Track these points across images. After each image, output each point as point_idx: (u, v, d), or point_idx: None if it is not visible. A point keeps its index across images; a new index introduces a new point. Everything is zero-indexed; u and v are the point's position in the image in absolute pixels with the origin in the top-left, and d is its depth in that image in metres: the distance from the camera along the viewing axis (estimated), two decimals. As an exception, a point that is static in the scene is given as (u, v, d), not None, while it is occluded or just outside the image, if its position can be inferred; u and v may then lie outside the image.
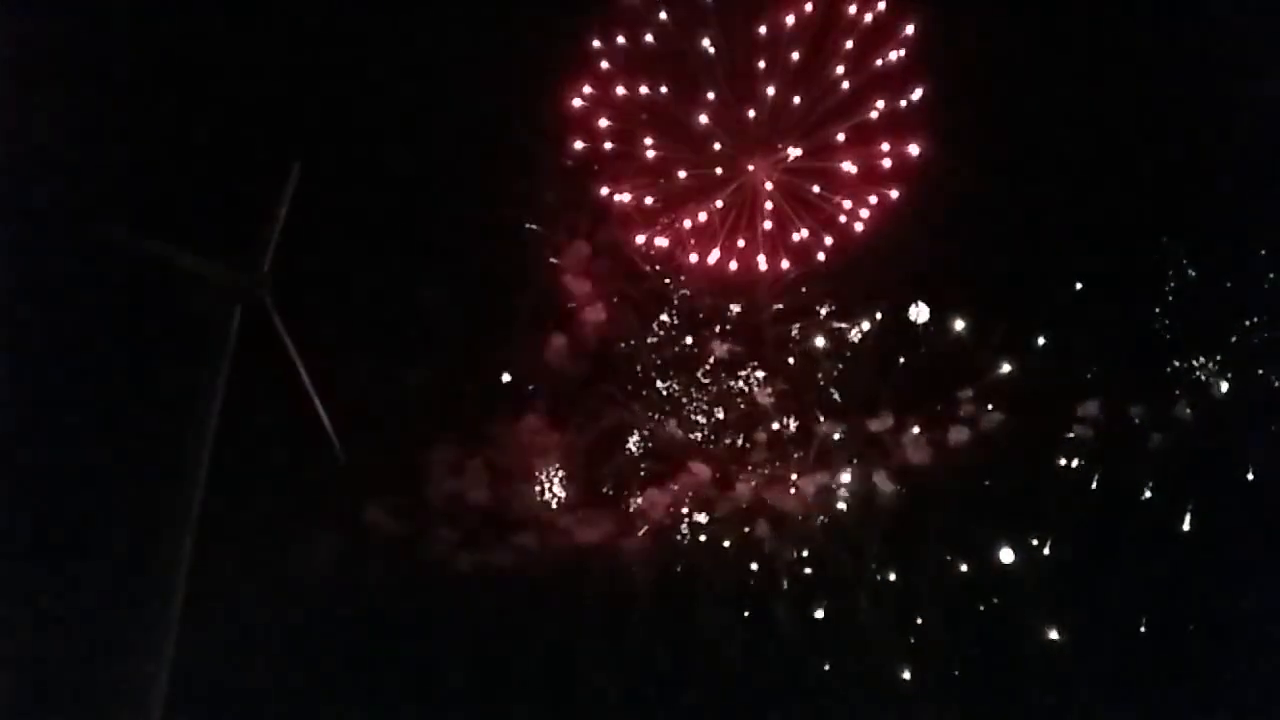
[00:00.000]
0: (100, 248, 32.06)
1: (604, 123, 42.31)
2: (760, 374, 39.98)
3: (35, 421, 31.85)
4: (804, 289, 41.73)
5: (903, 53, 41.77)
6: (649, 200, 42.49)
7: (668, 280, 41.41)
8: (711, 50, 41.89)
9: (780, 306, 41.68)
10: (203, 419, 31.72)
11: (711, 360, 40.83)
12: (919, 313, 39.50)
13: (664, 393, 40.16)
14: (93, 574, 31.92)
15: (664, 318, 41.64)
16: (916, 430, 39.02)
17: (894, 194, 41.79)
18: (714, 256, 42.33)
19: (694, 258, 42.20)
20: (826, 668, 36.32)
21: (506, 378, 39.76)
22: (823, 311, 41.28)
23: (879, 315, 40.73)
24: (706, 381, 40.70)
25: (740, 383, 40.27)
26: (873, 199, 41.97)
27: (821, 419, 39.74)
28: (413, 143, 40.20)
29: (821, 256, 42.06)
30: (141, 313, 33.61)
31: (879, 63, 41.92)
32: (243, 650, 32.79)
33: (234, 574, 32.78)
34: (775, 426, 39.82)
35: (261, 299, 33.25)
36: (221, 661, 32.22)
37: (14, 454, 31.14)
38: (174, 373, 32.52)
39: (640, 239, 42.24)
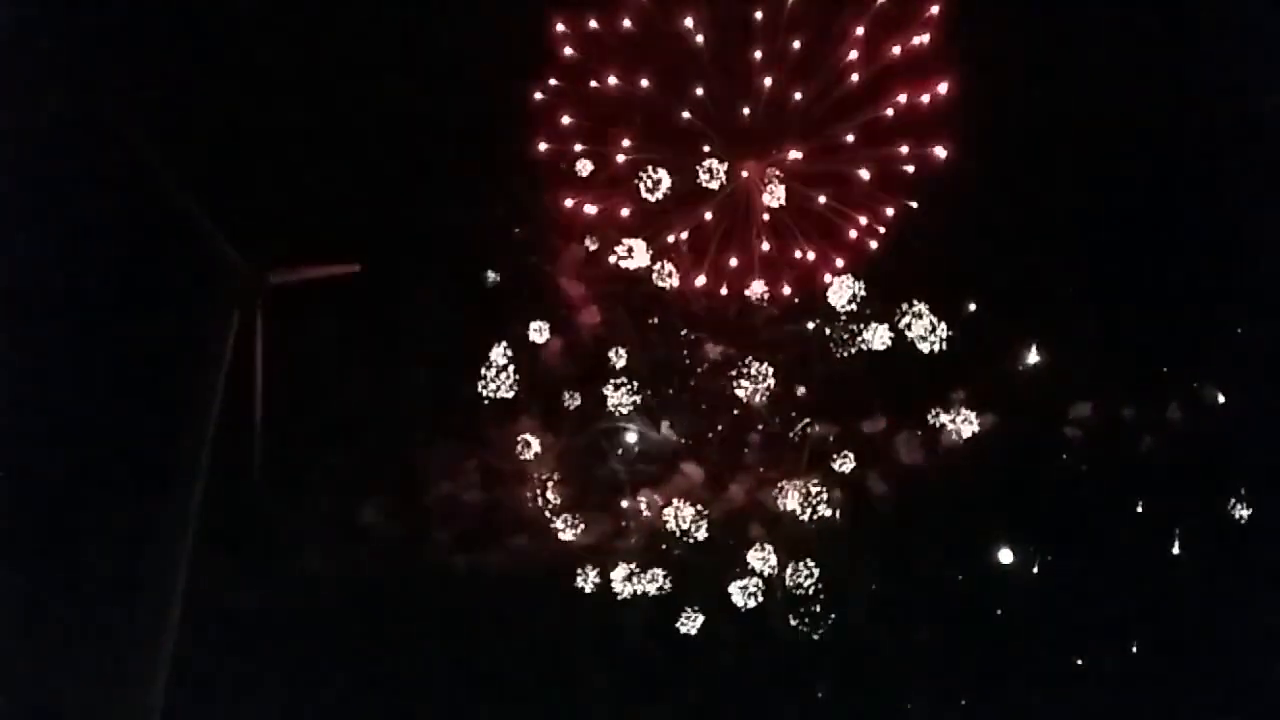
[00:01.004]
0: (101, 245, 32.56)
1: (570, 120, 36.86)
2: (754, 379, 35.64)
3: (35, 421, 31.80)
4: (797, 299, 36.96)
5: (925, 38, 36.40)
6: (624, 212, 36.97)
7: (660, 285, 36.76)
8: (699, 37, 36.60)
9: (776, 312, 37.17)
10: (201, 419, 31.60)
11: (705, 365, 36.96)
12: (916, 318, 35.36)
13: (656, 395, 36.35)
14: (91, 574, 31.75)
15: (655, 319, 37.39)
16: (913, 432, 35.92)
17: (914, 204, 36.50)
18: (701, 280, 37.03)
19: (675, 281, 36.63)
20: (821, 668, 34.98)
21: (506, 392, 35.98)
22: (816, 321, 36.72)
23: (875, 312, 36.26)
24: (695, 385, 36.92)
25: (733, 384, 35.91)
26: (889, 210, 36.66)
27: (815, 425, 36.23)
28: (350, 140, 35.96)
29: (829, 279, 36.40)
30: (141, 313, 33.07)
31: (896, 50, 36.54)
32: (239, 651, 32.48)
33: (232, 574, 32.71)
34: (764, 428, 36.55)
35: (255, 303, 32.73)
36: (219, 662, 32.08)
37: (13, 454, 31.31)
38: (173, 372, 32.37)
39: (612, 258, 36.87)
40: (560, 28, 36.65)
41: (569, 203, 37.04)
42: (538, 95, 36.65)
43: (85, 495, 32.34)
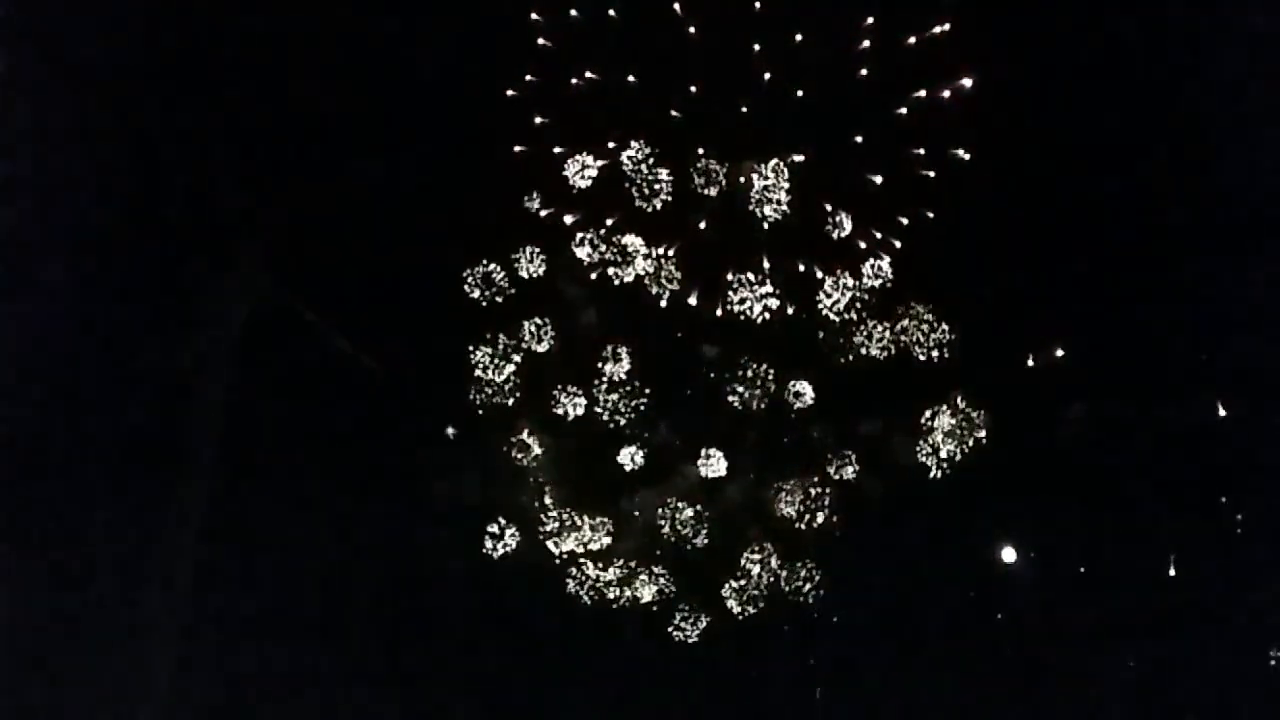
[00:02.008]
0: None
1: (546, 119, 33.65)
2: (751, 382, 33.36)
3: (37, 419, 31.52)
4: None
5: (947, 26, 33.05)
6: (609, 221, 33.64)
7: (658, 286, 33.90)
8: (690, 27, 33.46)
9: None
10: (205, 416, 31.72)
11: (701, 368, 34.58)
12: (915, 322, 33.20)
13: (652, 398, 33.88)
14: (94, 574, 31.67)
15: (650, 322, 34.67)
16: (914, 435, 33.47)
17: (931, 215, 33.15)
18: (692, 298, 33.73)
19: (663, 302, 33.49)
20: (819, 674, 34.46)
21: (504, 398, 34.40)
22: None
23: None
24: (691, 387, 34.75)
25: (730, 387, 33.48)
26: (904, 220, 33.29)
27: (815, 429, 34.12)
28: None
29: (835, 298, 33.01)
30: (146, 311, 32.67)
31: (913, 40, 33.14)
32: (239, 649, 32.26)
33: (232, 572, 32.47)
34: (761, 431, 34.27)
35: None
36: (219, 659, 31.98)
37: (15, 453, 31.04)
38: (177, 369, 32.17)
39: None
40: (534, 16, 33.39)
41: (548, 211, 33.83)
42: (509, 92, 33.55)
43: (87, 494, 31.83)
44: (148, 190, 32.22)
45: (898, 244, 33.31)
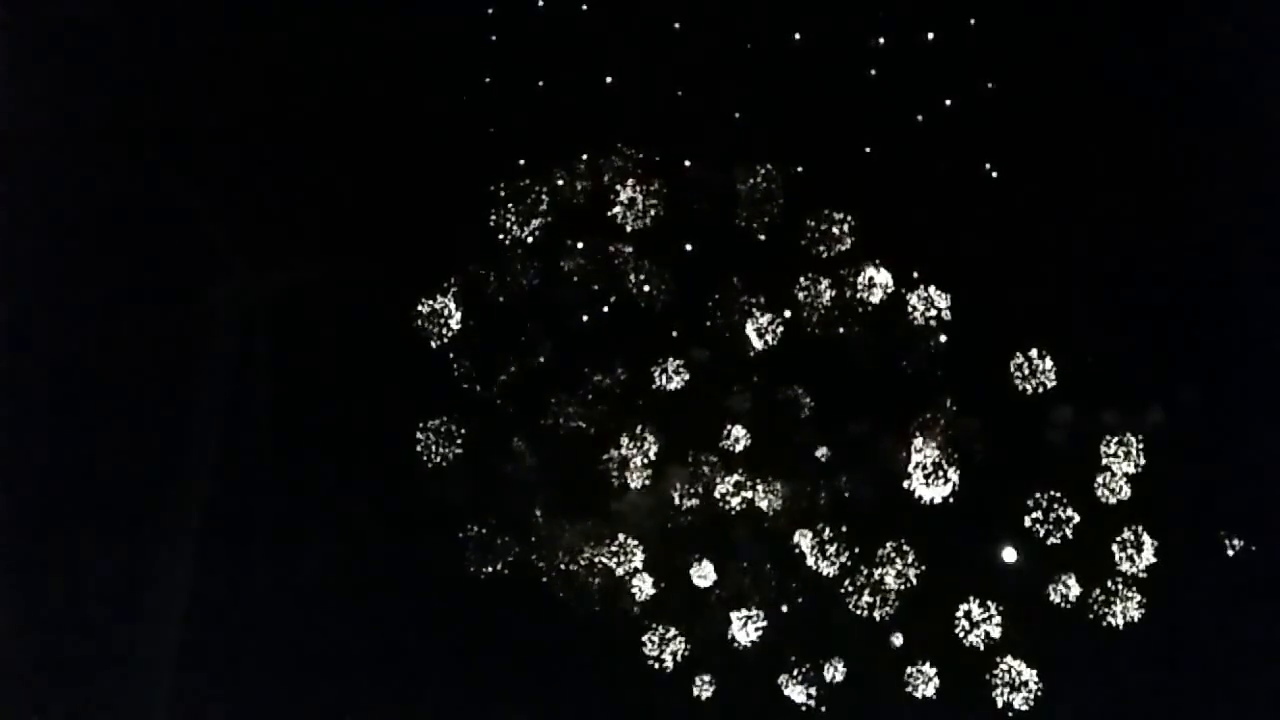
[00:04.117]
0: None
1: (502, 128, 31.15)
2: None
3: (38, 418, 31.89)
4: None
5: (971, 22, 30.95)
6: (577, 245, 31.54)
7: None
8: (675, 24, 31.29)
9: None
10: (207, 417, 31.90)
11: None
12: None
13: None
14: (94, 576, 31.76)
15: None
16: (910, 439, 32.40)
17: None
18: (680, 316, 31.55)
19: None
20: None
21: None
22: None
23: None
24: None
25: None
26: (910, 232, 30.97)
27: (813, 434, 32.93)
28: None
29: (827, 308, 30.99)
30: (144, 311, 32.64)
31: (930, 36, 30.95)
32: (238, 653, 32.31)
33: (231, 576, 32.63)
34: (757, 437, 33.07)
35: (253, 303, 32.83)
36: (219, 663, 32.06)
37: (16, 454, 31.45)
38: (178, 371, 32.60)
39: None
40: (490, 10, 30.85)
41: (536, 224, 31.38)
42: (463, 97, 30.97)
43: (89, 495, 31.94)
44: (145, 188, 31.90)
45: (915, 273, 30.84)
